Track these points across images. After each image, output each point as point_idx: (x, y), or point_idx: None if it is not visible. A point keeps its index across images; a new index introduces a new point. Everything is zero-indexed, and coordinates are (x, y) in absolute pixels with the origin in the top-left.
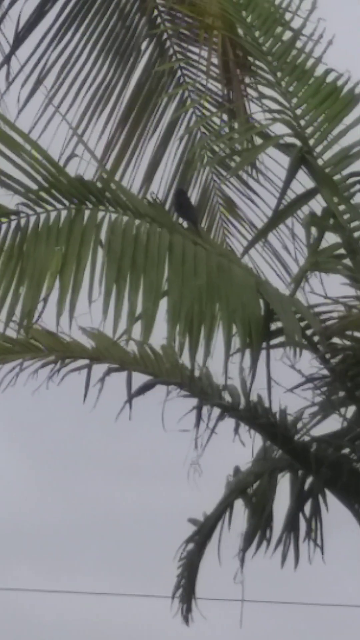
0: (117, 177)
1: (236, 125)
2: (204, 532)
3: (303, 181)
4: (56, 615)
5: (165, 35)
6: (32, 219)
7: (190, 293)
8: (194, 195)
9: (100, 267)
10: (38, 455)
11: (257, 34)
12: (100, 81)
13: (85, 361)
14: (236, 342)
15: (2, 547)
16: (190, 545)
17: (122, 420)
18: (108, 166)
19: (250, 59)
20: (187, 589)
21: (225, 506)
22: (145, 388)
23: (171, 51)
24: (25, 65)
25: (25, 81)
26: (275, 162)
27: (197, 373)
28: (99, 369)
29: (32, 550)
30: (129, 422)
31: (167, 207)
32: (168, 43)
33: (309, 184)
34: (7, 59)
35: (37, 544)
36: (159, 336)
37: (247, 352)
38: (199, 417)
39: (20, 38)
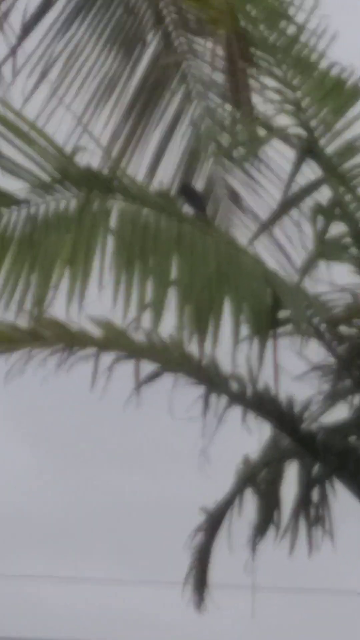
0: (122, 167)
1: (239, 116)
2: (214, 521)
3: (307, 173)
4: (66, 602)
5: (170, 27)
6: (42, 207)
7: (199, 281)
8: (198, 186)
9: (110, 255)
10: (47, 445)
11: (261, 27)
12: (105, 72)
13: (93, 350)
14: (244, 330)
15: (12, 536)
16: (201, 534)
17: (130, 409)
18: (114, 156)
19: (255, 51)
20: (199, 577)
21: (234, 494)
22: (153, 377)
23: (176, 42)
24: (31, 57)
25: (31, 72)
26: (279, 153)
27: (204, 361)
28: (107, 358)
29: (42, 538)
30: (137, 410)
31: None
32: (173, 34)
33: (311, 176)
34: (13, 51)
35: (47, 532)
36: (166, 325)
37: (255, 341)
38: (206, 406)
39: (26, 29)
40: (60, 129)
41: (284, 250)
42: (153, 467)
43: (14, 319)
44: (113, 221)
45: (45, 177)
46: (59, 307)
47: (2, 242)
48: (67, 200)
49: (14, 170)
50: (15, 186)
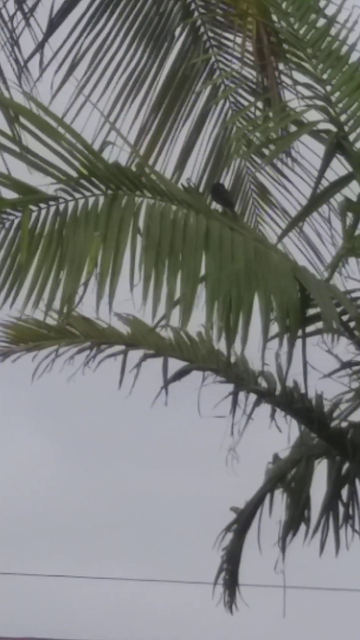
0: (150, 163)
1: (270, 113)
2: (243, 520)
3: (336, 169)
4: (92, 601)
5: (199, 21)
6: (71, 204)
7: (228, 278)
8: (227, 182)
9: (139, 252)
10: (73, 443)
11: (291, 20)
12: (133, 67)
13: (121, 347)
14: (273, 327)
15: (36, 534)
16: (231, 533)
17: (158, 406)
18: (141, 152)
19: (285, 45)
20: (229, 576)
21: (264, 493)
22: (181, 374)
23: (205, 37)
24: (58, 52)
25: (58, 68)
26: (308, 149)
27: (233, 359)
28: (135, 355)
29: (66, 537)
30: (165, 408)
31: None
32: (202, 29)
33: (342, 171)
34: (41, 46)
35: (71, 530)
36: (194, 322)
37: (284, 338)
38: (235, 403)
39: (53, 24)
40: (88, 124)
41: (313, 246)
42: (181, 466)
43: (43, 317)
44: (141, 218)
45: (73, 173)
46: (87, 305)
47: (31, 239)
48: (95, 197)
49: (42, 166)
50: (43, 183)
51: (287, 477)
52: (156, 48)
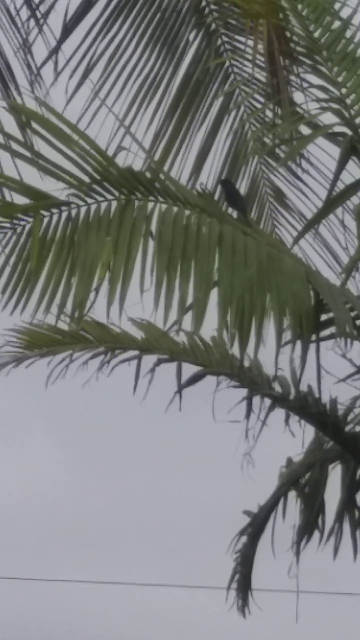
0: (165, 168)
1: (282, 115)
2: (257, 524)
3: (352, 171)
4: (104, 606)
5: (213, 25)
6: (83, 209)
7: (241, 283)
8: (242, 186)
9: (151, 257)
10: (87, 448)
11: (306, 23)
12: (147, 72)
13: (135, 352)
14: (286, 332)
15: (49, 540)
16: (244, 537)
17: (172, 411)
18: (156, 157)
19: (298, 48)
20: (242, 581)
21: (277, 497)
22: (195, 379)
23: (219, 41)
24: (72, 57)
25: (72, 73)
26: (323, 152)
27: (246, 363)
28: (149, 360)
29: (79, 542)
30: (178, 413)
31: (216, 197)
32: (215, 33)
33: (357, 174)
34: (55, 51)
35: (84, 536)
36: (208, 327)
37: (297, 343)
38: (249, 408)
39: (67, 30)
40: (102, 130)
41: (330, 249)
42: (195, 471)
43: (56, 322)
44: (154, 223)
45: (85, 178)
46: (100, 310)
47: (42, 244)
48: (107, 202)
49: (55, 172)
50: (55, 188)
51: (301, 481)
52: (170, 53)
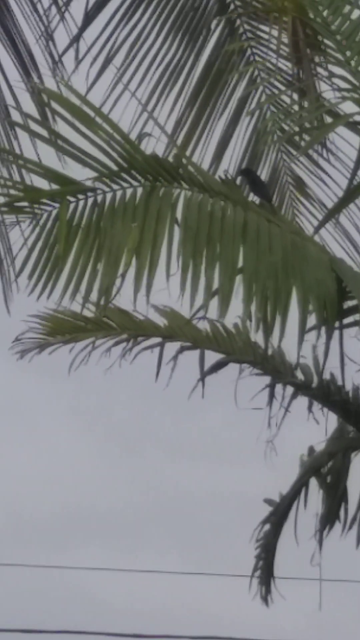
0: (187, 156)
1: (306, 104)
2: (279, 513)
3: None
4: (126, 594)
5: (235, 14)
6: (109, 195)
7: (266, 270)
8: (263, 174)
9: (177, 243)
10: (110, 436)
11: (325, 13)
12: (169, 60)
13: (158, 339)
14: (310, 319)
15: (71, 528)
16: (267, 526)
17: (195, 399)
18: (178, 145)
19: (320, 38)
20: (265, 569)
21: (300, 486)
22: (217, 366)
23: (241, 30)
24: (93, 45)
25: (93, 61)
26: (345, 141)
27: (269, 351)
28: (172, 347)
29: (101, 530)
30: (201, 401)
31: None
32: (238, 21)
33: None
34: (76, 39)
35: (106, 524)
36: (231, 314)
37: (321, 330)
38: (272, 396)
39: (89, 17)
40: (125, 116)
41: (350, 238)
42: (218, 458)
43: (82, 308)
44: (179, 209)
45: (111, 165)
46: (124, 296)
47: (68, 230)
48: (133, 189)
49: (81, 157)
50: (81, 174)
51: (323, 470)
52: (192, 41)
